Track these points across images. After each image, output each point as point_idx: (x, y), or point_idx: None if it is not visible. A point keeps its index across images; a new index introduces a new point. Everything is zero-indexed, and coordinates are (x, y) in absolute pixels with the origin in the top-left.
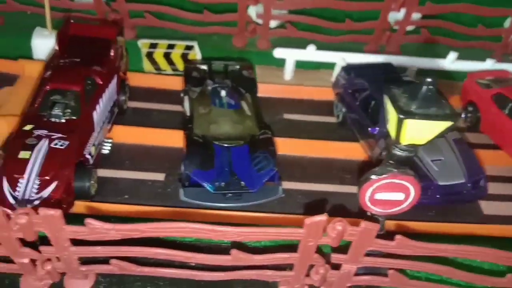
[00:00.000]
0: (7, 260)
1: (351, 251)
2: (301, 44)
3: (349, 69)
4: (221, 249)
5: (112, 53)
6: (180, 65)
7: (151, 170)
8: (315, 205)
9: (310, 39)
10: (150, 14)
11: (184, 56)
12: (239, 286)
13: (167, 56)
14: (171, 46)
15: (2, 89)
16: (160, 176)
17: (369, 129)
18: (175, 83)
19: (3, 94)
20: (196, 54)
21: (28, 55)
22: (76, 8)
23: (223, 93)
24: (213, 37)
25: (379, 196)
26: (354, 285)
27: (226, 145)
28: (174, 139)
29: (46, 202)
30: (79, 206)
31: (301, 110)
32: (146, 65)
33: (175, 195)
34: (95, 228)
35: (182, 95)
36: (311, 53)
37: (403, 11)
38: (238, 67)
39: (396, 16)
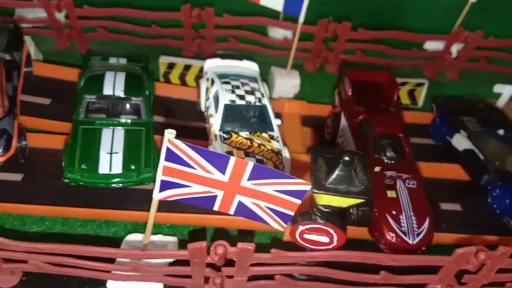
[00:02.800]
0: None
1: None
2: None
3: None
4: None
5: (396, 97)
6: (405, 100)
7: (444, 200)
8: None
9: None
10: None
11: (410, 92)
12: None
13: None
14: (403, 84)
15: None
16: (455, 206)
17: None
18: (417, 118)
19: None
20: (423, 90)
21: None
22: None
23: (501, 131)
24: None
25: None
26: None
27: None
28: (452, 171)
29: (426, 236)
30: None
31: None
32: None
33: (478, 223)
34: None
35: (440, 129)
36: None
37: None
38: (484, 104)
39: None
